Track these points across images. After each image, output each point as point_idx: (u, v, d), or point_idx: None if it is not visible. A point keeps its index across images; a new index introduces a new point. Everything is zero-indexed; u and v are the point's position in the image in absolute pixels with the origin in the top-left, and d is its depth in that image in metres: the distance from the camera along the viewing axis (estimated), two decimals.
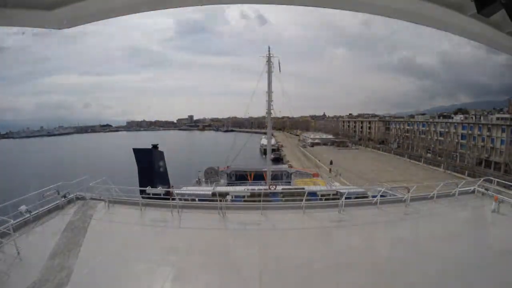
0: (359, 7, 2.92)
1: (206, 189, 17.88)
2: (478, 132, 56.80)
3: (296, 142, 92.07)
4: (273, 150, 57.14)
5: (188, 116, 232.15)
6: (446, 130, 65.07)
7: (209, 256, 7.19)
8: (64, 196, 10.18)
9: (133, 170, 15.13)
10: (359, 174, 43.54)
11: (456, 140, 61.45)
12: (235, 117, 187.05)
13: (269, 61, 21.19)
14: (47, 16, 2.50)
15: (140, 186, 13.09)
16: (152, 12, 2.93)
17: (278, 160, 57.59)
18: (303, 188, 14.68)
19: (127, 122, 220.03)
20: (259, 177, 24.15)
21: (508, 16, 2.06)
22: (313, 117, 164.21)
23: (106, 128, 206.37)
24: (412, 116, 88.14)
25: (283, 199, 12.61)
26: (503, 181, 11.40)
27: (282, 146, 76.81)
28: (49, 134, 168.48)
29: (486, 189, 11.09)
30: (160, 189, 11.23)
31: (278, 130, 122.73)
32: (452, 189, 11.35)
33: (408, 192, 10.89)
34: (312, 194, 12.34)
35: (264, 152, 63.74)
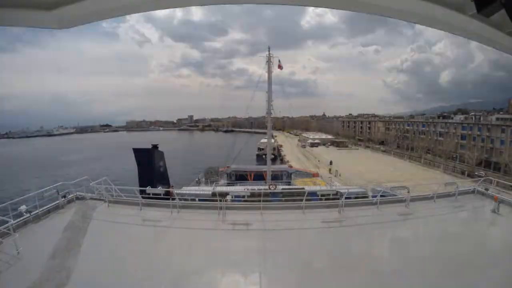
0: (359, 7, 2.91)
1: (206, 189, 17.88)
2: (478, 133, 56.84)
3: (296, 142, 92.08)
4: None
5: (188, 116, 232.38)
6: (446, 130, 65.12)
7: (209, 256, 7.18)
8: (64, 196, 10.17)
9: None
10: (358, 174, 43.54)
11: (456, 141, 61.47)
12: (235, 117, 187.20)
13: (269, 61, 21.20)
14: (47, 16, 2.49)
15: (140, 186, 13.08)
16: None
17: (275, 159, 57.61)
18: (303, 188, 14.69)
19: (126, 122, 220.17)
20: (259, 177, 24.18)
21: (508, 16, 2.05)
22: (313, 117, 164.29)
23: (105, 128, 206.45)
24: (412, 116, 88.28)
25: (283, 199, 12.61)
26: (503, 181, 11.40)
27: (281, 146, 76.84)
28: (49, 134, 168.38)
29: (486, 189, 11.09)
30: (160, 189, 11.23)
31: (278, 130, 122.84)
32: (452, 189, 11.36)
33: (408, 192, 10.89)
34: (312, 194, 12.34)
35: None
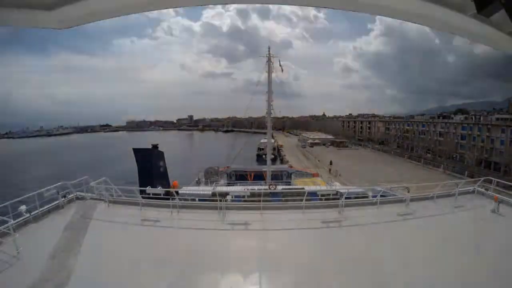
0: (359, 7, 2.91)
1: (206, 189, 17.87)
2: (478, 133, 56.85)
3: (296, 142, 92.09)
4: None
5: (188, 116, 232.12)
6: (446, 130, 65.15)
7: (209, 256, 7.19)
8: (64, 196, 10.17)
9: None
10: (358, 174, 43.55)
11: (456, 141, 61.51)
12: (235, 117, 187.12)
13: (269, 61, 21.17)
14: (47, 16, 2.49)
15: (140, 186, 13.08)
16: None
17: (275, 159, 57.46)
18: (303, 188, 14.68)
19: (126, 122, 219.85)
20: (259, 177, 24.17)
21: (508, 16, 2.06)
22: (313, 117, 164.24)
23: (105, 128, 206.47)
24: (412, 116, 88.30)
25: (283, 199, 12.61)
26: (503, 181, 11.40)
27: (281, 146, 76.85)
28: (49, 134, 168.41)
29: (486, 189, 11.09)
30: (160, 189, 11.23)
31: (278, 130, 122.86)
32: (452, 189, 11.35)
33: (408, 192, 10.90)
34: (312, 194, 12.33)
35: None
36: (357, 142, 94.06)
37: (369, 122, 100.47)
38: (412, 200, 10.50)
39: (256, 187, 17.99)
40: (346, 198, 10.30)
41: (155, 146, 17.69)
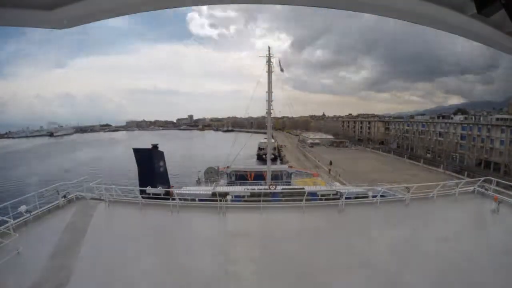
0: (359, 7, 2.91)
1: (206, 189, 17.87)
2: (478, 133, 56.82)
3: (296, 142, 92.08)
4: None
5: (188, 116, 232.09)
6: (446, 130, 65.12)
7: (209, 256, 7.19)
8: (64, 196, 10.17)
9: None
10: (358, 174, 43.53)
11: (456, 141, 61.49)
12: (235, 117, 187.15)
13: (269, 61, 21.17)
14: (47, 16, 2.49)
15: (140, 186, 13.09)
16: None
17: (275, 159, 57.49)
18: (303, 188, 14.69)
19: (126, 122, 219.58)
20: (259, 177, 24.16)
21: (508, 16, 2.06)
22: (313, 117, 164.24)
23: (105, 127, 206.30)
24: (411, 117, 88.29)
25: (283, 199, 12.61)
26: (503, 181, 11.39)
27: (282, 146, 76.84)
28: (49, 134, 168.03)
29: (486, 189, 11.09)
30: (160, 189, 11.23)
31: (278, 130, 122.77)
32: (452, 189, 11.36)
33: (408, 192, 10.89)
34: (312, 194, 12.35)
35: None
36: (357, 142, 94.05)
37: (369, 122, 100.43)
38: (412, 200, 10.50)
39: (256, 187, 18.00)
40: (346, 198, 10.30)
41: (155, 146, 17.66)
